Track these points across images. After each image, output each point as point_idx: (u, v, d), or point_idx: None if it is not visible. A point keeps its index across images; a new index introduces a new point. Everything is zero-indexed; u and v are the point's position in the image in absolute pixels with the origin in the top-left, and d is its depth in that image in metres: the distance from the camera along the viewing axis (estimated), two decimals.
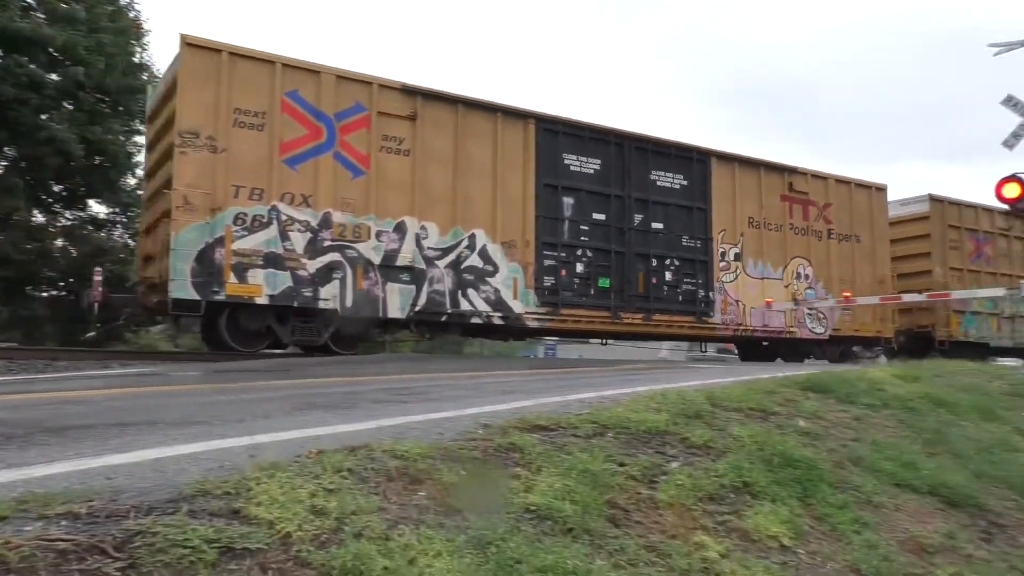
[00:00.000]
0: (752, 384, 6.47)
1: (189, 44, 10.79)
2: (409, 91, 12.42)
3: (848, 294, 16.20)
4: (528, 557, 2.78)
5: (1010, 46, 13.10)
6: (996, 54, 13.27)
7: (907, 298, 15.89)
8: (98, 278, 11.81)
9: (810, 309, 16.37)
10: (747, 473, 4.25)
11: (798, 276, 16.53)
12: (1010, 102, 13.22)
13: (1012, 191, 13.08)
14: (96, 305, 11.68)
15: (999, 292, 16.06)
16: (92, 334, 13.14)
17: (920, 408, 6.99)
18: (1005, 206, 13.58)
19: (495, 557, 2.75)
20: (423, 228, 12.32)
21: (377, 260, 11.88)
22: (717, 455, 4.47)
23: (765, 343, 16.79)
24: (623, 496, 3.66)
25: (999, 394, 9.25)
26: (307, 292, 11.33)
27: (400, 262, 12.05)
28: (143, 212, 13.22)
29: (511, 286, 13.05)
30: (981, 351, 18.49)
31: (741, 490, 4.14)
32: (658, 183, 14.80)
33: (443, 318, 12.46)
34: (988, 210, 19.70)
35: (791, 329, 16.27)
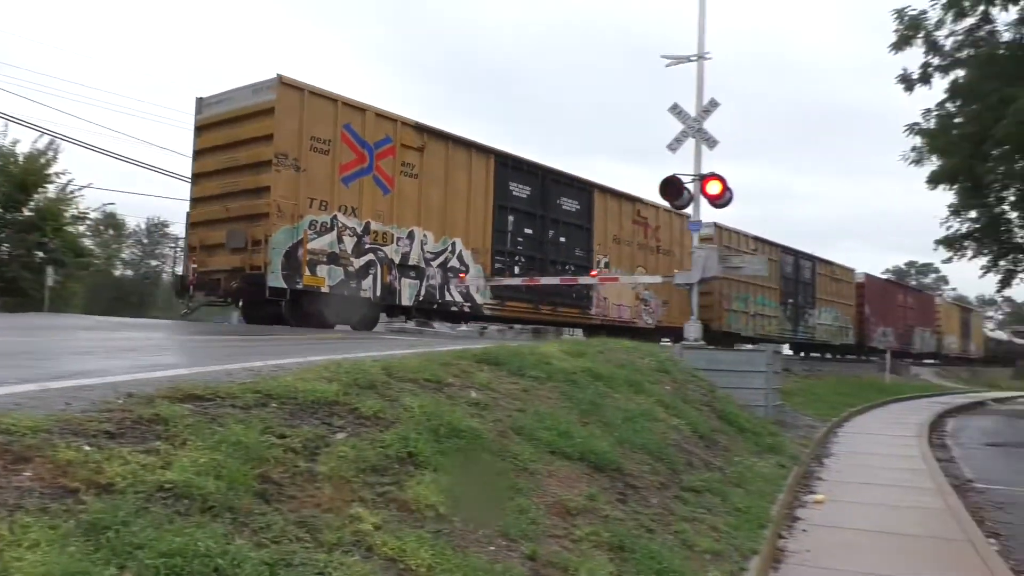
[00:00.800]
0: (430, 356, 6.60)
1: (284, 83, 13.52)
2: (420, 128, 15.76)
3: (536, 280, 17.47)
4: (153, 541, 2.50)
5: (679, 59, 14.84)
6: (668, 65, 14.96)
7: (582, 280, 17.45)
8: (193, 266, 14.11)
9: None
10: (413, 443, 4.28)
11: None
12: (675, 110, 14.99)
13: (714, 188, 14.86)
14: (192, 287, 14.25)
15: (657, 279, 18.21)
16: (186, 311, 15.50)
17: (581, 381, 7.63)
18: (667, 202, 15.41)
19: (111, 544, 2.43)
20: (425, 236, 15.74)
21: (396, 260, 15.12)
22: (386, 426, 4.45)
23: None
24: (279, 470, 3.47)
25: (649, 370, 10.48)
26: (353, 284, 14.40)
27: (411, 262, 15.38)
28: (194, 209, 14.87)
29: (475, 282, 16.75)
30: (737, 339, 24.79)
31: (406, 461, 4.16)
32: (563, 207, 19.14)
33: (435, 306, 16.04)
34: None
35: (634, 321, 21.28)
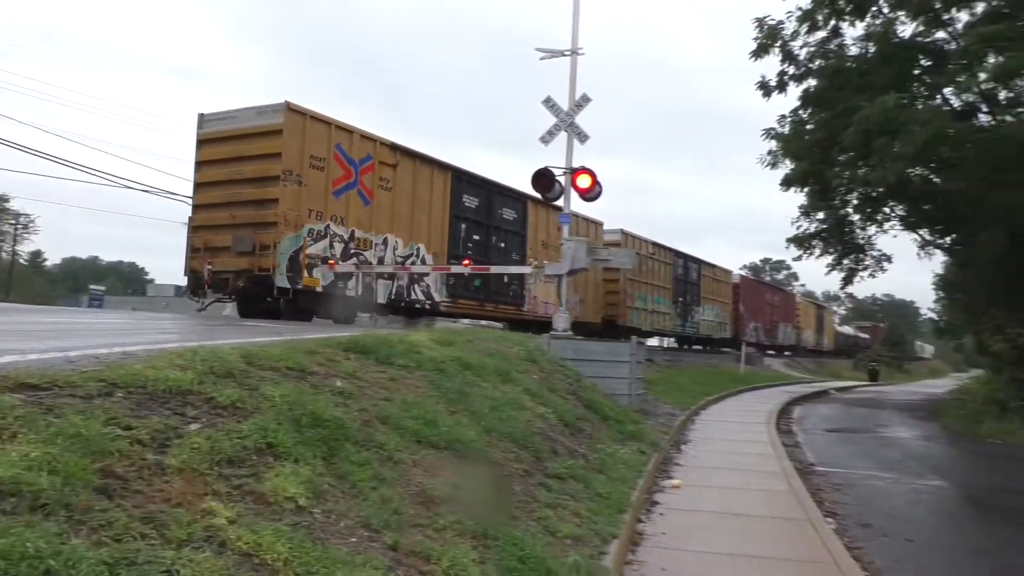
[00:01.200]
0: (294, 344, 6.41)
1: (291, 109, 15.34)
2: (395, 147, 17.83)
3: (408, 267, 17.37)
4: None
5: (553, 53, 15.05)
6: (542, 58, 15.14)
7: (454, 269, 17.45)
8: (208, 267, 15.48)
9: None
10: (273, 434, 4.15)
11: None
12: (548, 103, 15.21)
13: (584, 182, 15.09)
14: (207, 286, 15.73)
15: (527, 269, 18.45)
16: (201, 307, 16.42)
17: (449, 370, 7.64)
18: (539, 194, 15.62)
19: None
20: (396, 242, 17.77)
21: (374, 263, 17.06)
22: (244, 416, 4.28)
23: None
24: (123, 463, 3.27)
25: (517, 359, 10.62)
26: (340, 284, 16.27)
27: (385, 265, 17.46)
28: (197, 214, 16.35)
29: (435, 283, 18.96)
30: (638, 333, 26.88)
31: (264, 452, 4.03)
32: (503, 216, 21.48)
33: (403, 304, 18.09)
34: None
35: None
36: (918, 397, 33.44)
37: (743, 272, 53.33)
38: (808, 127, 23.91)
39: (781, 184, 24.62)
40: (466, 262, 18.77)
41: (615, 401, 12.70)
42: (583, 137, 15.29)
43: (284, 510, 3.64)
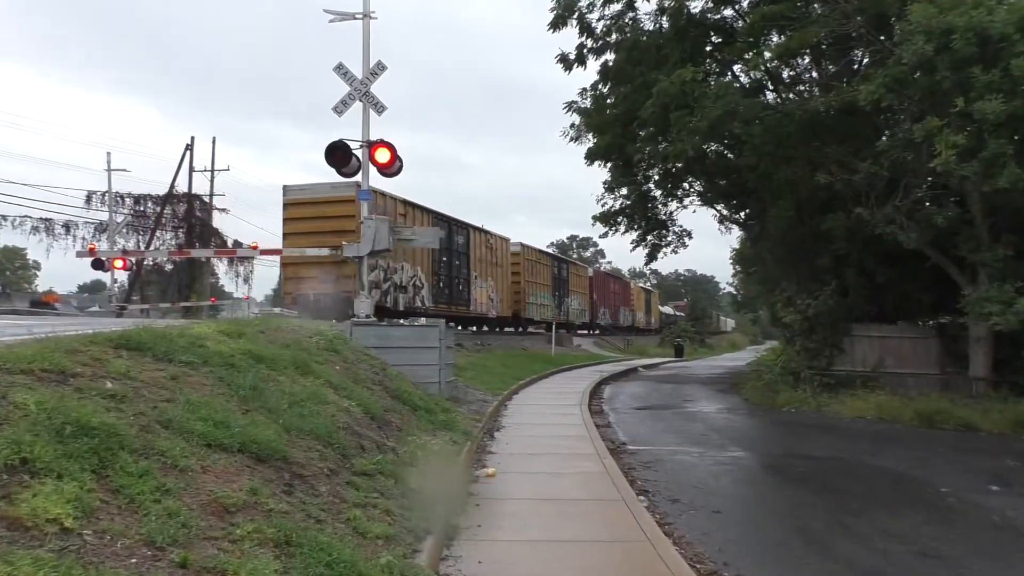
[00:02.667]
0: (52, 342, 5.87)
1: (374, 191, 20.87)
2: (406, 203, 25.87)
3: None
4: None
5: (344, 16, 14.72)
6: (331, 21, 14.76)
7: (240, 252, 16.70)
8: (292, 293, 23.99)
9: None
10: (28, 448, 3.78)
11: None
12: (341, 70, 14.89)
13: (383, 156, 14.81)
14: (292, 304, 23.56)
15: (324, 252, 18.07)
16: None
17: (240, 365, 7.32)
18: (334, 169, 15.28)
19: None
20: (405, 267, 25.76)
21: (398, 284, 25.20)
22: None
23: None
24: None
25: (317, 350, 10.38)
26: (380, 299, 22.72)
27: (402, 284, 25.37)
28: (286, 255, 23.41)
29: (428, 294, 27.31)
30: (531, 323, 40.52)
31: (18, 469, 3.66)
32: (457, 242, 30.54)
33: (415, 309, 25.34)
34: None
35: (487, 313, 34.00)
36: (720, 371, 36.28)
37: (553, 250, 58.31)
38: (609, 101, 25.06)
39: (585, 158, 25.69)
40: (254, 245, 18.67)
41: (425, 389, 12.77)
42: (380, 107, 15.10)
43: (46, 535, 3.33)
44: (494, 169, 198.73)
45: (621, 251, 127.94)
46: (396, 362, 12.88)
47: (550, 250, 54.46)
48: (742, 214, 29.03)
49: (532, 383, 22.84)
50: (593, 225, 29.01)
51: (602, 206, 27.12)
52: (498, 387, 18.77)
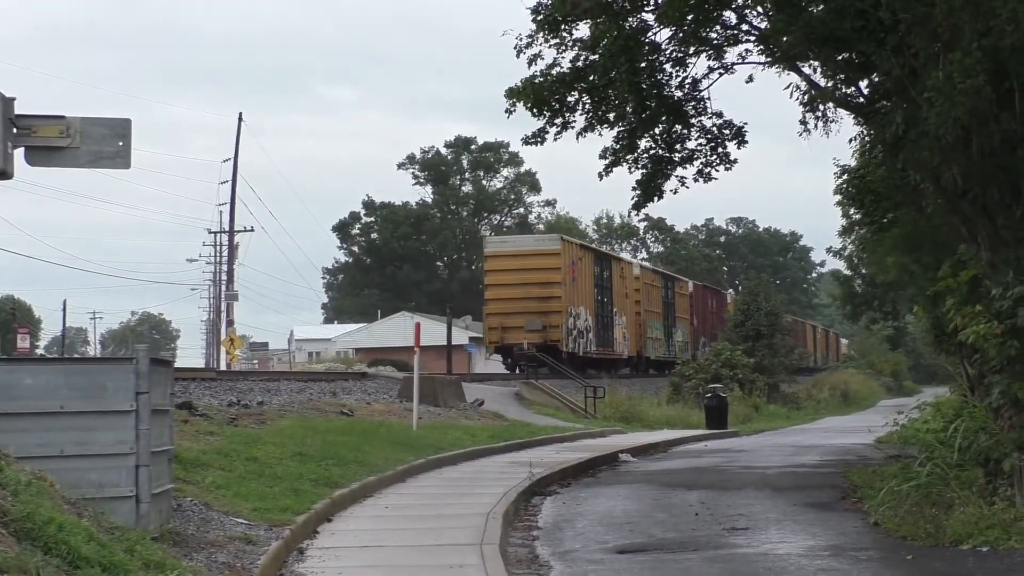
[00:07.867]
0: None
1: (563, 240, 32.48)
2: (581, 246, 35.21)
3: None
4: None
5: None
6: None
7: None
8: (493, 342, 31.90)
9: None
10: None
11: None
12: None
13: None
14: (493, 352, 32.95)
15: None
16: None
17: None
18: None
19: None
20: (580, 309, 32.06)
21: (579, 323, 32.17)
22: None
23: None
24: None
25: None
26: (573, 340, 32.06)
27: (580, 324, 32.27)
28: (488, 305, 31.65)
29: (594, 337, 33.95)
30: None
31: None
32: (604, 276, 34.78)
33: (587, 354, 33.27)
34: None
35: (623, 351, 36.76)
36: (814, 456, 18.65)
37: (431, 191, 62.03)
38: None
39: None
40: None
41: (104, 515, 5.97)
42: None
43: None
44: None
45: (578, 177, 77.01)
46: (22, 450, 5.97)
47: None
48: (864, 85, 12.08)
49: (370, 496, 10.43)
50: (509, 111, 13.24)
51: (531, 64, 12.76)
52: (281, 507, 8.52)
